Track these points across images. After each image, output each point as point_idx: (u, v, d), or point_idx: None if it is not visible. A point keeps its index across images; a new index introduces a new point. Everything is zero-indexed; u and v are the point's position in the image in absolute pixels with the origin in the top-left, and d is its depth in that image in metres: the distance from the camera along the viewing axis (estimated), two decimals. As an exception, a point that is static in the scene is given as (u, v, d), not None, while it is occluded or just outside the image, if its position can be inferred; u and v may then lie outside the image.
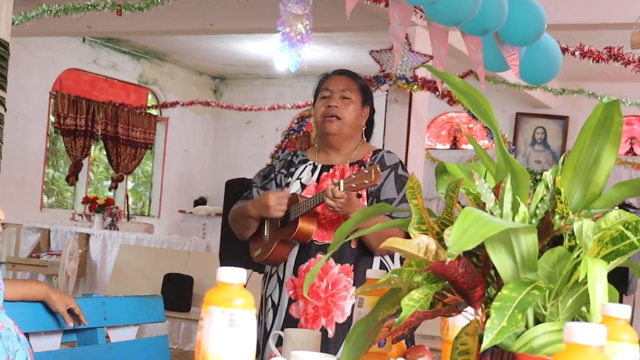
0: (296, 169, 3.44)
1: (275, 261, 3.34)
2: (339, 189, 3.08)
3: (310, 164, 3.43)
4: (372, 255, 3.28)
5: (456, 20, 4.08)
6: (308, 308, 3.24)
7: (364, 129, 3.46)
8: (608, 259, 1.40)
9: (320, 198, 3.15)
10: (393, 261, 3.35)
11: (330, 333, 3.21)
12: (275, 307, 3.33)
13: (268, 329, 3.30)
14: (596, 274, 1.34)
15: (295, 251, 3.30)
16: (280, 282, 3.34)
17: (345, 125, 3.37)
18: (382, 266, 3.30)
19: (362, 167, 3.29)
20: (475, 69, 4.55)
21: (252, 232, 3.40)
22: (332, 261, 3.25)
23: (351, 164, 3.36)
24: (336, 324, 3.21)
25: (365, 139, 3.47)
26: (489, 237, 1.38)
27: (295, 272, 3.28)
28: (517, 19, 4.32)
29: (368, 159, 3.38)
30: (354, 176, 3.10)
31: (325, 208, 3.18)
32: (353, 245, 3.26)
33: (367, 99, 3.46)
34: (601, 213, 1.44)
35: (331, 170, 3.37)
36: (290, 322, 3.24)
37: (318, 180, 3.36)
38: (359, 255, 3.27)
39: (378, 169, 3.06)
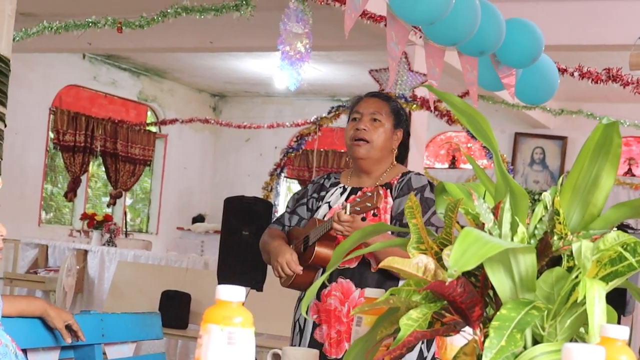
0: (327, 192, 3.43)
1: (301, 286, 3.33)
2: (345, 212, 3.08)
3: (340, 187, 3.42)
4: (397, 280, 3.23)
5: (454, 41, 4.09)
6: (332, 332, 3.23)
7: (395, 152, 3.41)
8: (606, 280, 1.40)
9: (330, 223, 3.15)
10: None
11: None
12: (301, 331, 3.34)
13: None
14: (594, 295, 1.34)
15: (318, 275, 3.30)
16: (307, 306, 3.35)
17: (374, 148, 3.33)
18: None
19: (419, 195, 3.25)
20: (469, 88, 4.56)
21: None
22: (352, 285, 3.24)
23: (380, 187, 3.32)
24: None
25: (396, 162, 3.42)
26: (487, 258, 1.39)
27: (318, 297, 3.27)
28: (515, 41, 4.33)
29: (395, 182, 3.33)
30: (358, 200, 3.08)
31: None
32: (373, 269, 3.24)
33: (399, 122, 3.40)
34: (600, 234, 1.45)
35: (359, 193, 3.32)
36: (315, 345, 3.22)
37: (344, 202, 3.34)
38: (382, 279, 3.24)
39: (380, 191, 3.05)
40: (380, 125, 3.35)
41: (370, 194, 3.06)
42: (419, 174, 3.39)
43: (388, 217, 3.27)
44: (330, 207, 3.37)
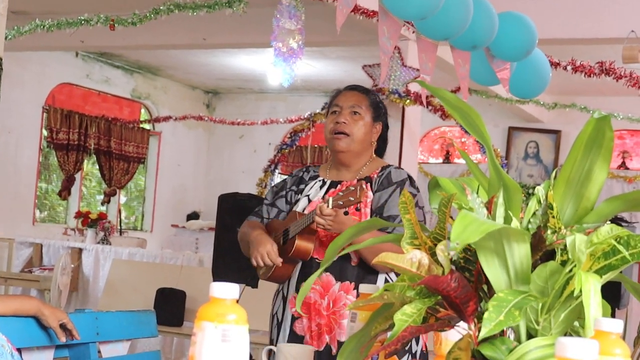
0: (306, 185, 3.43)
1: (279, 279, 3.34)
2: (327, 206, 3.08)
3: (320, 180, 3.42)
4: (376, 274, 3.25)
5: (446, 35, 4.10)
6: (312, 325, 3.24)
7: (374, 145, 3.43)
8: (600, 273, 1.41)
9: (312, 216, 3.15)
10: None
11: (334, 350, 3.20)
12: (279, 324, 3.34)
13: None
14: (590, 288, 1.34)
15: (298, 268, 3.30)
16: (284, 299, 3.36)
17: (354, 142, 3.34)
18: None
19: (400, 188, 3.27)
20: (460, 82, 4.56)
21: None
22: (332, 279, 3.25)
23: (359, 180, 3.32)
24: (338, 342, 3.21)
25: (376, 155, 3.44)
26: (482, 248, 1.39)
27: (298, 289, 3.27)
28: (508, 35, 4.33)
29: (375, 175, 3.35)
30: (341, 194, 3.08)
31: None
32: (353, 263, 3.25)
33: (378, 115, 3.42)
34: (593, 228, 1.45)
35: (338, 187, 3.34)
36: (295, 338, 3.24)
37: (325, 196, 3.34)
38: (362, 273, 3.25)
39: (363, 186, 3.05)
40: (360, 118, 3.36)
41: (353, 188, 3.06)
42: (398, 167, 3.42)
43: (368, 211, 3.28)
44: (309, 200, 3.37)
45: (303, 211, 3.32)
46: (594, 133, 1.45)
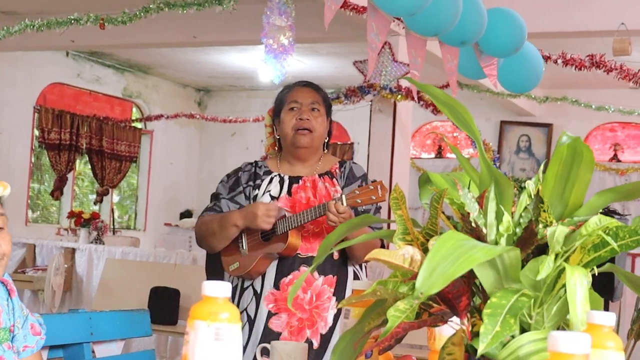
0: (262, 180, 3.42)
1: (253, 275, 3.30)
2: (342, 204, 3.08)
3: (275, 176, 3.41)
4: (346, 266, 3.30)
5: (435, 31, 4.09)
6: (292, 320, 3.23)
7: (325, 140, 3.47)
8: (591, 265, 1.41)
9: (315, 213, 3.14)
10: (362, 270, 3.37)
11: (316, 344, 3.21)
12: (251, 321, 3.29)
13: (244, 343, 3.26)
14: (575, 282, 1.34)
15: (274, 264, 3.29)
16: (258, 296, 3.30)
17: (316, 137, 3.38)
18: (356, 276, 3.32)
19: (364, 183, 3.30)
20: (449, 77, 4.56)
21: (228, 243, 3.33)
22: (315, 273, 3.25)
23: (320, 175, 3.36)
24: (320, 334, 3.22)
25: (325, 150, 3.48)
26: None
27: (277, 286, 3.25)
28: (497, 31, 4.33)
29: (337, 170, 3.39)
30: (357, 192, 3.09)
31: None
32: (335, 257, 3.27)
33: (329, 111, 3.48)
34: (584, 221, 1.45)
35: (301, 182, 3.36)
36: (271, 335, 3.19)
37: (290, 192, 3.34)
38: (340, 266, 3.29)
39: (383, 184, 3.08)
40: (319, 114, 3.40)
41: (372, 187, 3.08)
42: (355, 162, 3.48)
43: None
44: (272, 197, 3.35)
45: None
46: (570, 158, 1.46)
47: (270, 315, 3.26)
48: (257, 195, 3.38)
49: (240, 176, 3.46)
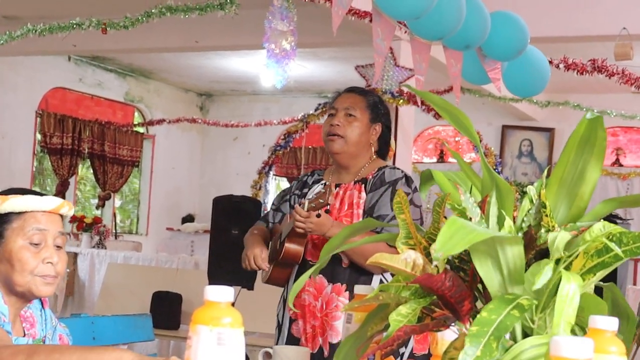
0: (309, 189, 3.44)
1: (276, 282, 3.38)
2: (303, 209, 3.10)
3: (322, 183, 3.42)
4: (370, 275, 3.25)
5: (439, 35, 4.10)
6: (307, 327, 3.27)
7: (374, 146, 3.42)
8: (594, 271, 1.41)
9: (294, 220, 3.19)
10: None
11: (326, 352, 3.21)
12: (279, 326, 3.39)
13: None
14: (568, 290, 1.33)
15: (294, 272, 3.32)
16: (284, 302, 3.40)
17: (348, 143, 3.34)
18: None
19: (391, 188, 3.27)
20: (452, 82, 4.56)
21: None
22: (325, 281, 3.25)
23: (356, 182, 3.34)
24: (330, 344, 3.21)
25: (376, 156, 3.43)
26: (475, 250, 1.39)
27: None
28: (500, 35, 4.34)
29: (371, 176, 3.35)
30: (313, 196, 3.13)
31: None
32: (344, 265, 3.26)
33: (377, 117, 3.41)
34: (587, 226, 1.45)
35: (339, 190, 3.36)
36: (292, 340, 3.27)
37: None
38: (354, 275, 3.25)
39: (333, 188, 3.10)
40: (354, 120, 3.35)
41: (324, 190, 3.11)
42: (394, 167, 3.40)
43: (361, 211, 3.28)
44: None
45: None
46: (587, 133, 1.45)
47: (291, 321, 3.33)
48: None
49: (292, 185, 3.53)
